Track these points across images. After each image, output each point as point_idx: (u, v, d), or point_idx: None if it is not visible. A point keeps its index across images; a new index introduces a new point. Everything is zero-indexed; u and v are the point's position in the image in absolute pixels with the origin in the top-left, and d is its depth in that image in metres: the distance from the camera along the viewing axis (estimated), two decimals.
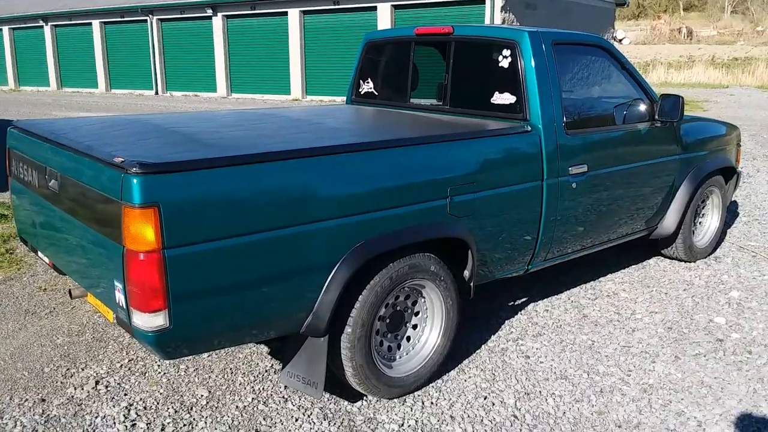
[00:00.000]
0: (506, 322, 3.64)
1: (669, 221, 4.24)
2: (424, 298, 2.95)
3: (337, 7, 19.45)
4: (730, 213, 5.85)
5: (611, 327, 3.57)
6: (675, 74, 33.60)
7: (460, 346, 3.31)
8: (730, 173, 4.73)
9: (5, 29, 28.25)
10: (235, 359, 3.18)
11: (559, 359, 3.21)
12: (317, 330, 2.52)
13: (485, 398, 2.87)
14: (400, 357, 2.92)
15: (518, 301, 3.92)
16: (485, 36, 3.54)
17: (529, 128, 3.25)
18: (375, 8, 18.77)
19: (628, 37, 46.22)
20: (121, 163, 2.06)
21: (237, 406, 2.78)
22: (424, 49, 3.97)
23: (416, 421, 2.70)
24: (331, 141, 2.64)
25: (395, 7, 18.56)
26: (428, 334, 2.98)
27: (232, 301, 2.26)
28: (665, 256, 4.63)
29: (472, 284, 3.08)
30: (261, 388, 2.92)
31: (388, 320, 2.85)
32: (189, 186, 2.08)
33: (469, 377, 3.05)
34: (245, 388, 2.93)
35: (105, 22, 25.03)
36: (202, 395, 2.87)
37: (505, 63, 3.40)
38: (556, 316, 3.71)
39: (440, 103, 3.80)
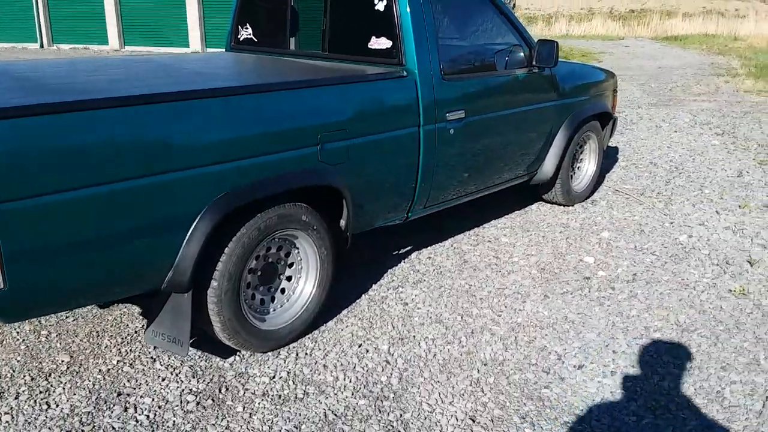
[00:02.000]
0: (389, 270, 3.67)
1: (548, 166, 4.37)
2: (297, 249, 2.90)
3: None
4: (610, 158, 6.13)
5: (489, 271, 3.67)
6: (576, 27, 34.62)
7: (340, 296, 3.31)
8: (606, 119, 4.91)
9: None
10: (102, 322, 3.04)
11: (436, 304, 3.28)
12: (179, 285, 2.43)
13: (360, 346, 2.89)
14: (274, 309, 2.88)
15: (402, 250, 3.96)
16: None
17: (405, 73, 3.21)
18: None
19: None
20: None
21: (100, 370, 2.67)
22: None
23: (288, 373, 2.68)
24: (187, 86, 2.50)
25: None
26: (303, 285, 2.95)
27: (78, 258, 2.13)
28: (546, 201, 4.79)
29: (348, 234, 3.07)
30: (128, 350, 2.82)
31: (259, 273, 2.79)
32: (15, 135, 1.91)
33: (347, 326, 3.06)
34: (111, 351, 2.81)
35: None
36: (63, 360, 2.73)
37: (381, 6, 3.33)
38: (438, 263, 3.77)
39: (319, 50, 3.69)
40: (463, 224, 4.36)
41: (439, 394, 2.56)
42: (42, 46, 22.30)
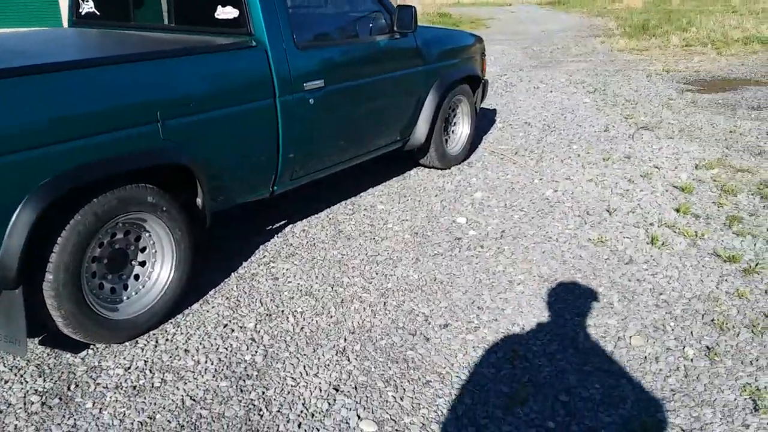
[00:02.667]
0: (261, 246, 3.57)
1: (420, 132, 4.39)
2: (148, 232, 2.75)
3: None
4: (487, 119, 6.26)
5: (363, 239, 3.65)
6: None
7: (208, 276, 3.19)
8: (476, 82, 4.98)
9: None
10: None
11: (307, 276, 3.22)
12: (6, 282, 2.24)
13: (225, 326, 2.80)
14: (128, 297, 2.73)
15: (276, 224, 3.87)
16: None
17: (254, 43, 3.09)
18: None
19: None
20: None
21: None
22: None
23: (145, 362, 2.55)
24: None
25: None
26: (159, 269, 2.81)
27: None
28: (423, 166, 4.82)
29: (207, 213, 2.94)
30: None
31: (106, 260, 2.63)
32: None
33: (213, 307, 2.95)
34: None
35: None
36: None
37: None
38: (312, 235, 3.71)
39: (165, 22, 3.49)
40: (339, 194, 4.32)
41: (304, 367, 2.52)
42: None
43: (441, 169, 4.79)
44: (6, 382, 2.43)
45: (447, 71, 4.49)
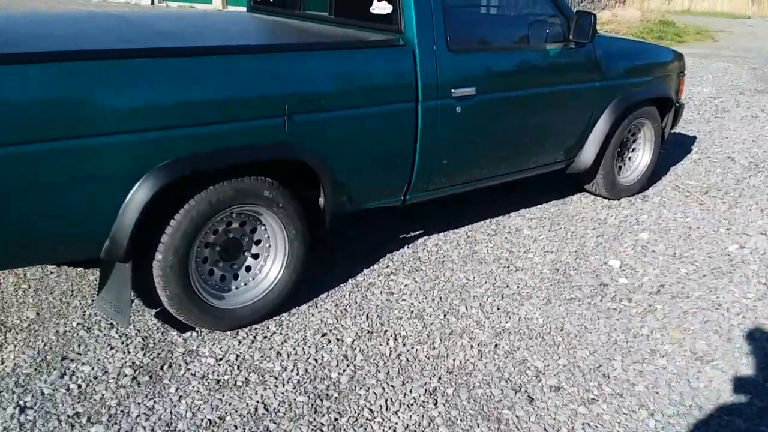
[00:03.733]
0: (387, 255, 3.42)
1: (586, 155, 3.93)
2: (263, 225, 2.72)
3: None
4: (682, 148, 5.50)
5: (495, 265, 3.34)
6: (699, 2, 31.99)
7: (325, 278, 3.11)
8: (667, 105, 4.36)
9: None
10: (82, 280, 3.01)
11: (423, 297, 3.01)
12: (116, 255, 2.31)
13: (324, 335, 2.69)
14: (237, 287, 2.72)
15: (410, 234, 3.69)
16: None
17: (402, 42, 2.91)
18: None
19: None
20: None
21: (57, 331, 2.63)
22: None
23: (237, 356, 2.53)
24: (129, 44, 2.34)
25: None
26: (270, 265, 2.77)
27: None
28: (589, 193, 4.34)
29: (326, 214, 2.84)
30: (92, 314, 2.76)
31: (219, 248, 2.64)
32: None
33: (319, 312, 2.86)
34: (76, 312, 2.76)
35: None
36: (27, 317, 2.71)
37: None
38: (443, 252, 3.48)
39: (327, 14, 3.44)
40: (485, 211, 4.02)
41: (386, 400, 2.32)
42: (152, 2, 23.21)
43: (608, 199, 4.27)
44: (112, 349, 2.54)
45: (629, 90, 3.95)
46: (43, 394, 2.27)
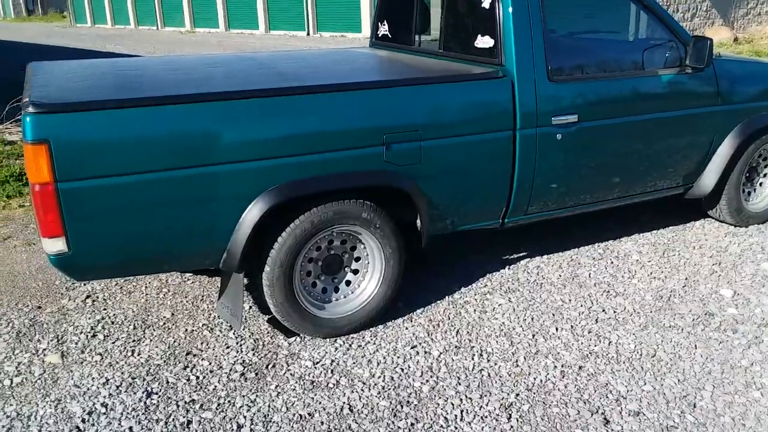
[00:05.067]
0: (488, 274, 3.54)
1: (706, 181, 3.79)
2: (363, 244, 2.97)
3: None
4: None
5: (595, 289, 3.34)
6: None
7: (424, 294, 3.30)
8: None
9: None
10: (212, 285, 3.45)
11: (515, 317, 3.10)
12: (231, 266, 2.68)
13: (414, 347, 2.88)
14: (337, 299, 3.00)
15: (513, 255, 3.77)
16: None
17: (501, 74, 3.06)
18: None
19: None
20: (22, 103, 2.32)
21: (186, 329, 3.06)
22: None
23: (332, 361, 2.79)
24: (244, 85, 2.71)
25: None
26: (368, 280, 3.02)
27: (133, 234, 2.47)
28: (713, 218, 4.14)
29: (424, 234, 3.05)
30: (216, 316, 3.17)
31: (321, 263, 2.93)
32: (78, 125, 2.29)
33: (413, 326, 3.05)
34: (204, 314, 3.19)
35: None
36: (164, 316, 3.18)
37: (486, 4, 3.20)
38: (544, 273, 3.53)
39: (438, 48, 3.66)
40: (595, 234, 3.99)
41: (462, 411, 2.45)
42: (308, 33, 24.95)
43: (735, 225, 4.05)
44: (228, 348, 2.91)
45: (757, 113, 3.76)
46: (167, 382, 2.67)
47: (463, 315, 3.14)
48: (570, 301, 3.23)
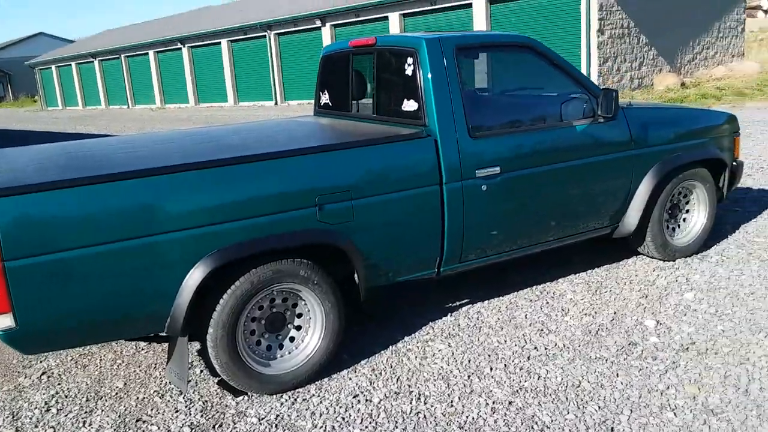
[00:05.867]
0: (431, 322, 3.72)
1: (629, 220, 4.06)
2: (303, 300, 3.15)
3: (434, 7, 19.62)
4: (761, 205, 5.35)
5: (530, 329, 3.53)
6: None
7: (369, 345, 3.46)
8: (720, 166, 4.38)
9: (151, 53, 31.47)
10: (164, 354, 3.58)
11: (453, 360, 3.27)
12: (176, 330, 2.84)
13: (356, 396, 3.02)
14: (282, 356, 3.15)
15: (456, 302, 3.96)
16: (394, 45, 3.66)
17: (425, 134, 3.33)
18: (470, 5, 18.69)
19: None
20: None
21: (137, 397, 3.17)
22: (364, 58, 4.13)
23: (277, 416, 2.92)
24: (185, 159, 2.93)
25: (490, 1, 18.36)
26: (311, 335, 3.18)
27: (79, 305, 2.63)
28: (644, 254, 4.39)
29: (361, 288, 3.24)
30: (168, 383, 3.29)
31: (263, 321, 3.09)
32: (23, 207, 2.48)
33: (357, 376, 3.20)
34: (156, 382, 3.31)
35: (231, 41, 27.07)
36: (117, 386, 3.29)
37: (409, 71, 3.51)
38: (483, 318, 3.72)
39: (372, 113, 3.94)
40: (533, 277, 4.21)
41: None
42: (276, 103, 25.60)
43: (662, 260, 4.31)
44: (177, 411, 3.03)
45: (671, 155, 4.08)
46: None
47: (404, 362, 3.30)
48: (506, 341, 3.42)
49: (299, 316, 3.18)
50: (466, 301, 3.98)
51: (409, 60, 3.50)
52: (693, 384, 2.86)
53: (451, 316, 3.79)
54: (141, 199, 2.68)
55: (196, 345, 3.60)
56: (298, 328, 3.19)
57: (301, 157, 3.03)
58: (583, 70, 15.50)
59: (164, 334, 2.90)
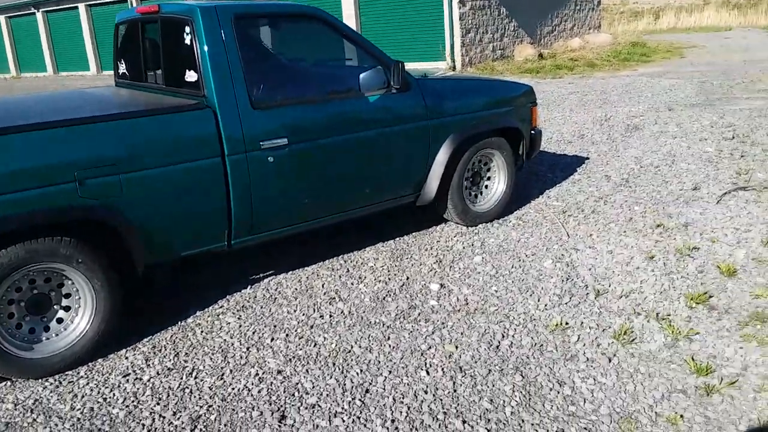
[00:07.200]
0: (228, 296, 3.67)
1: (429, 188, 4.19)
2: (70, 280, 3.01)
3: None
4: (570, 169, 5.72)
5: (323, 298, 3.58)
6: (686, 18, 32.49)
7: (158, 322, 3.37)
8: (517, 134, 4.61)
9: (2, 18, 28.82)
10: None
11: (238, 333, 3.25)
12: None
13: (126, 376, 2.94)
14: (48, 338, 3.00)
15: (260, 275, 3.94)
16: (172, 13, 3.52)
17: (204, 105, 3.25)
18: None
19: None
20: None
21: None
22: (152, 27, 3.95)
23: (35, 401, 2.78)
24: None
25: None
26: (81, 316, 3.05)
27: None
28: (449, 221, 4.57)
29: (137, 264, 3.14)
30: None
31: (23, 303, 2.93)
32: None
33: (134, 355, 3.11)
34: None
35: (89, 5, 25.29)
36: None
37: (187, 40, 3.39)
38: (281, 289, 3.73)
39: (160, 83, 3.79)
40: (343, 246, 4.27)
41: (155, 429, 2.55)
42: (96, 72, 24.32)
43: (465, 225, 4.50)
44: None
45: (466, 125, 4.23)
46: None
47: (189, 337, 3.25)
48: (295, 311, 3.45)
49: (67, 296, 3.04)
50: (270, 272, 3.97)
51: (187, 29, 3.38)
52: (452, 343, 3.02)
53: (250, 288, 3.77)
54: None
55: None
56: (67, 308, 3.05)
57: (58, 130, 2.86)
58: (447, 41, 15.81)
59: None
